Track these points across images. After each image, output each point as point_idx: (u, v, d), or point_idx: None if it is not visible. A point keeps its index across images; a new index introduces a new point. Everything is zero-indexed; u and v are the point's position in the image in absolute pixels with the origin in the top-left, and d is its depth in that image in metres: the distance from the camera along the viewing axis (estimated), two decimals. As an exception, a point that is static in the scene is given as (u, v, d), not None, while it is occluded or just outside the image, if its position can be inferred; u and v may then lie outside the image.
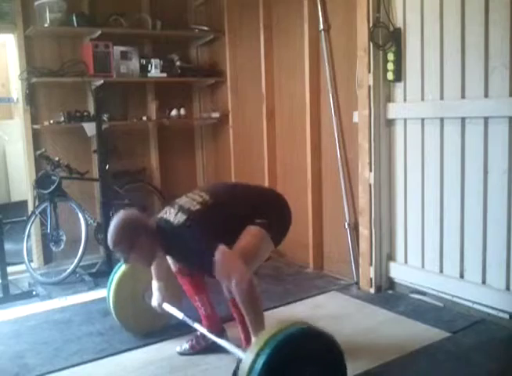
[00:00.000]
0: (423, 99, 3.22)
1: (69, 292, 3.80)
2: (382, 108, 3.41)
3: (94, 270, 4.18)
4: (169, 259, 2.69)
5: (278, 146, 4.38)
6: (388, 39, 3.29)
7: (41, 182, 4.23)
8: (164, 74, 4.67)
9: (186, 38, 5.06)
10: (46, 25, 4.21)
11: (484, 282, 2.99)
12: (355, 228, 3.71)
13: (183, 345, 2.77)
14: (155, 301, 2.77)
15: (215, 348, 2.71)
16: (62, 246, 4.23)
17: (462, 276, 3.10)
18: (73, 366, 2.68)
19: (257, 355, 1.87)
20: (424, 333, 2.87)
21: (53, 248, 4.28)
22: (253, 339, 2.17)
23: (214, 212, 2.44)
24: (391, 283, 3.56)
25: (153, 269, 2.71)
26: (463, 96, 2.98)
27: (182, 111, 4.93)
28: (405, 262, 3.46)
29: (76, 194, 4.33)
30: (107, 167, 4.26)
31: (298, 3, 3.88)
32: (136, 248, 2.41)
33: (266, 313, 3.22)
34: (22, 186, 4.76)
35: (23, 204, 4.73)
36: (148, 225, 2.46)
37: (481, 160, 2.93)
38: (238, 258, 2.24)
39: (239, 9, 4.60)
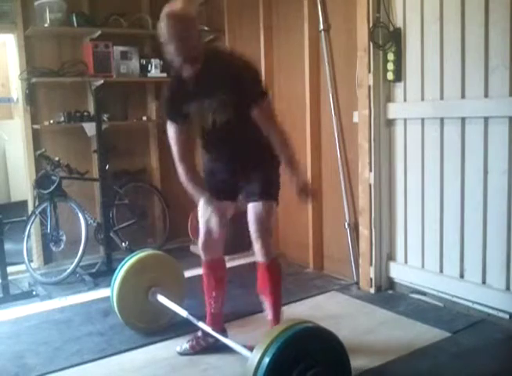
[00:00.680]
0: (423, 99, 3.22)
1: (69, 292, 3.80)
2: (382, 108, 3.41)
3: (94, 270, 4.17)
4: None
5: (278, 146, 4.38)
6: (388, 39, 3.29)
7: (41, 182, 4.23)
8: (164, 74, 4.67)
9: (186, 38, 5.05)
10: (46, 25, 4.21)
11: (484, 282, 2.99)
12: (355, 228, 3.71)
13: (183, 345, 2.77)
14: (206, 203, 2.63)
15: (215, 349, 2.72)
16: (62, 246, 4.23)
17: (462, 276, 3.10)
18: (73, 366, 2.68)
19: (263, 354, 1.88)
20: (424, 333, 2.87)
21: (53, 248, 4.28)
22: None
23: None
24: (391, 283, 3.56)
25: (188, 182, 2.57)
26: (463, 96, 2.98)
27: (182, 111, 4.92)
28: (405, 262, 3.46)
29: (76, 194, 4.32)
30: (107, 167, 4.27)
31: (298, 3, 3.88)
32: (195, 25, 2.36)
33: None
34: (22, 186, 4.75)
35: (23, 204, 4.73)
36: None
37: (481, 160, 2.93)
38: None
39: (239, 9, 4.60)
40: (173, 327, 3.01)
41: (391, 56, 3.30)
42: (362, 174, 3.53)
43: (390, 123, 3.44)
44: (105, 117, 4.43)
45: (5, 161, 6.23)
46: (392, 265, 3.52)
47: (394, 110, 3.38)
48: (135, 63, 4.58)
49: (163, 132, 4.89)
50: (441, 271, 3.22)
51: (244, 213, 2.50)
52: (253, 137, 2.45)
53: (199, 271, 4.09)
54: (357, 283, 3.67)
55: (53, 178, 4.14)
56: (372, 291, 3.53)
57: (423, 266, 3.34)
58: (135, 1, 4.76)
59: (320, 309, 3.31)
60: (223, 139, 2.49)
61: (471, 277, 3.05)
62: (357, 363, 2.45)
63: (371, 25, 3.30)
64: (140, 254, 3.05)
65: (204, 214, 2.64)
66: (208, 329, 2.56)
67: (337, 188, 3.81)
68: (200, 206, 2.65)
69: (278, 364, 1.87)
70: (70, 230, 4.24)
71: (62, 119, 4.38)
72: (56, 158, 4.19)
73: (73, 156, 4.46)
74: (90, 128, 4.34)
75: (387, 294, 3.50)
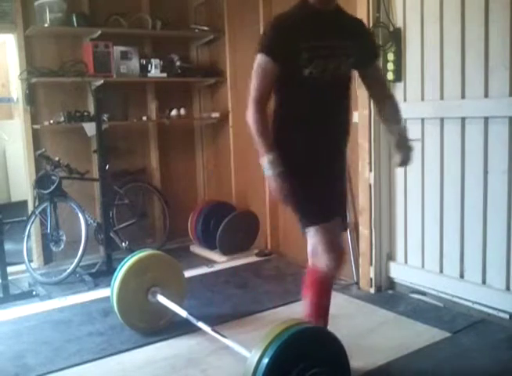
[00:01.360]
0: (423, 99, 3.22)
1: (69, 292, 3.80)
2: (382, 108, 3.40)
3: (94, 270, 4.17)
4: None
5: (278, 146, 4.37)
6: (388, 39, 3.29)
7: (41, 182, 4.22)
8: (164, 74, 4.67)
9: (186, 38, 5.06)
10: (46, 25, 4.20)
11: (484, 282, 2.99)
12: (355, 228, 3.71)
13: None
14: (274, 172, 2.09)
15: (216, 349, 2.72)
16: (62, 246, 4.22)
17: (462, 276, 3.11)
18: (73, 366, 2.68)
19: (262, 354, 1.88)
20: (424, 333, 2.87)
21: (53, 248, 4.27)
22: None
23: None
24: (391, 283, 3.56)
25: (262, 127, 2.11)
26: (463, 96, 2.98)
27: (182, 111, 4.92)
28: (405, 262, 3.46)
29: (76, 194, 4.32)
30: (107, 167, 4.26)
31: (298, 3, 3.88)
32: None
33: (266, 313, 3.24)
34: (22, 186, 4.75)
35: (23, 204, 4.73)
36: None
37: (481, 160, 2.93)
38: None
39: (239, 9, 4.60)
40: (173, 327, 3.01)
41: (391, 56, 3.30)
42: (362, 174, 3.53)
43: (390, 123, 3.44)
44: (105, 117, 4.43)
45: (5, 161, 6.23)
46: (392, 265, 3.52)
47: (394, 110, 3.38)
48: (135, 63, 4.58)
49: (163, 132, 4.92)
50: (441, 271, 3.22)
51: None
52: (349, 120, 2.28)
53: (199, 271, 4.14)
54: (357, 283, 3.67)
55: (53, 178, 4.13)
56: (372, 291, 3.53)
57: (423, 266, 3.34)
58: (135, 1, 4.76)
59: (320, 309, 3.31)
60: (334, 108, 2.15)
61: (471, 277, 3.05)
62: (357, 363, 2.44)
63: (371, 25, 3.30)
64: (140, 254, 3.05)
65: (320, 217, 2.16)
66: (208, 329, 2.56)
67: (337, 188, 3.81)
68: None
69: (277, 365, 1.86)
70: (70, 230, 4.24)
71: (62, 119, 4.37)
72: (56, 158, 4.19)
73: (73, 156, 4.46)
74: (90, 128, 4.33)
75: (387, 294, 3.50)
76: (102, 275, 4.08)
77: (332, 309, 3.25)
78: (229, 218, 4.34)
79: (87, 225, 4.13)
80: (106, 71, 4.37)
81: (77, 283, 3.98)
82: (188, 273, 3.42)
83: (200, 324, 2.59)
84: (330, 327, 2.24)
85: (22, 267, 4.18)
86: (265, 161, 2.09)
